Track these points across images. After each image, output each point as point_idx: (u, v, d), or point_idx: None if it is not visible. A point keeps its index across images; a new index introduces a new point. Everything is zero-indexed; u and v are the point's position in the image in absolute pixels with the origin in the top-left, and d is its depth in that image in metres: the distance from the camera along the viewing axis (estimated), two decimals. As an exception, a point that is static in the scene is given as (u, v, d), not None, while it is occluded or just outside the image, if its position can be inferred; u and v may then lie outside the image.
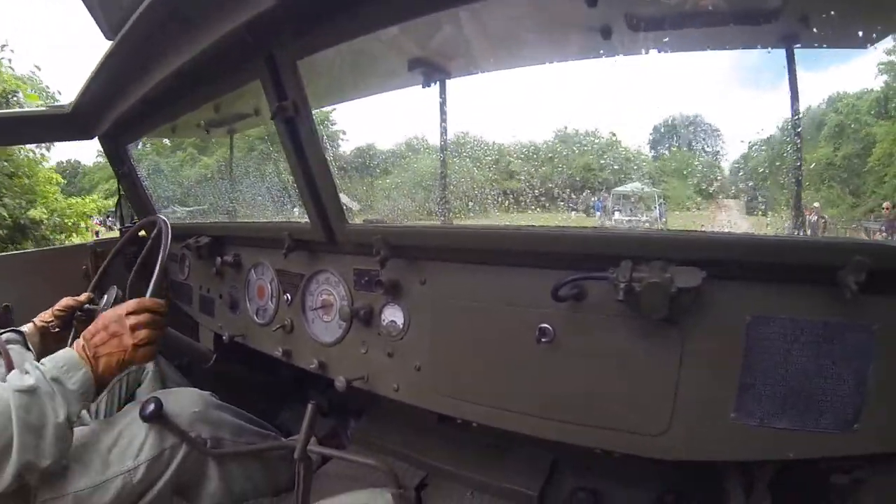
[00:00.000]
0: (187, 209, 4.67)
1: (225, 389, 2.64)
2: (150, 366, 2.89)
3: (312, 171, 2.26)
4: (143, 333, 1.91)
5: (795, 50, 1.57)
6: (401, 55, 2.22)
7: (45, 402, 1.71)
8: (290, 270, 2.68)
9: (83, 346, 1.89)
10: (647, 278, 1.42)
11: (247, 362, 3.26)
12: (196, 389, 2.46)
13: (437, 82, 2.35)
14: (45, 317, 2.48)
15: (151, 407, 2.05)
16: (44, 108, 3.77)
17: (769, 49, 1.61)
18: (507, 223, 2.15)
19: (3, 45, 14.57)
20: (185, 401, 2.27)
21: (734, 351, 1.47)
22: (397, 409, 2.22)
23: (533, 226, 1.91)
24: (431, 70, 2.26)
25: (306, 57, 2.06)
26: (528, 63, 2.25)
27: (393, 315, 2.16)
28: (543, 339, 1.69)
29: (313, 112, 2.17)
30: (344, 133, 3.00)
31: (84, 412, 2.28)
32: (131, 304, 1.96)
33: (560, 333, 1.68)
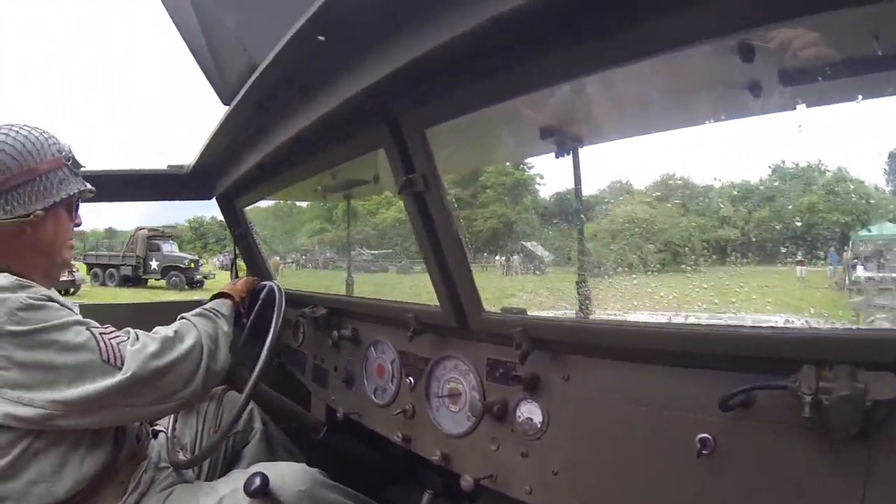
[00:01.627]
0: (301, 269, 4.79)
1: (333, 461, 2.68)
2: (257, 426, 3.05)
3: (444, 252, 2.18)
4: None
5: None
6: (532, 122, 2.10)
7: (214, 318, 2.51)
8: (415, 353, 2.60)
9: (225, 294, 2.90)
10: (837, 390, 1.21)
11: (358, 436, 3.20)
12: (304, 465, 2.49)
13: (570, 151, 2.22)
14: None
15: (257, 482, 2.13)
16: (164, 169, 3.95)
17: None
18: (668, 320, 1.97)
19: None
20: (291, 477, 2.34)
21: None
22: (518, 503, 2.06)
23: (698, 323, 1.74)
24: (566, 138, 2.13)
25: (435, 126, 1.99)
26: (672, 126, 2.14)
27: (530, 412, 2.01)
28: (704, 452, 1.48)
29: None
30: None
31: (189, 472, 2.59)
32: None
33: (723, 445, 1.48)
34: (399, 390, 2.67)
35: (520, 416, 2.04)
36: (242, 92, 2.31)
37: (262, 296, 2.98)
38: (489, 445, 2.14)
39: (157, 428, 2.72)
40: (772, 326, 1.59)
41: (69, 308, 2.02)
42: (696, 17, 1.21)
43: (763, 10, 1.14)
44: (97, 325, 2.01)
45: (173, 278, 35.60)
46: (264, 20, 2.49)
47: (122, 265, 37.57)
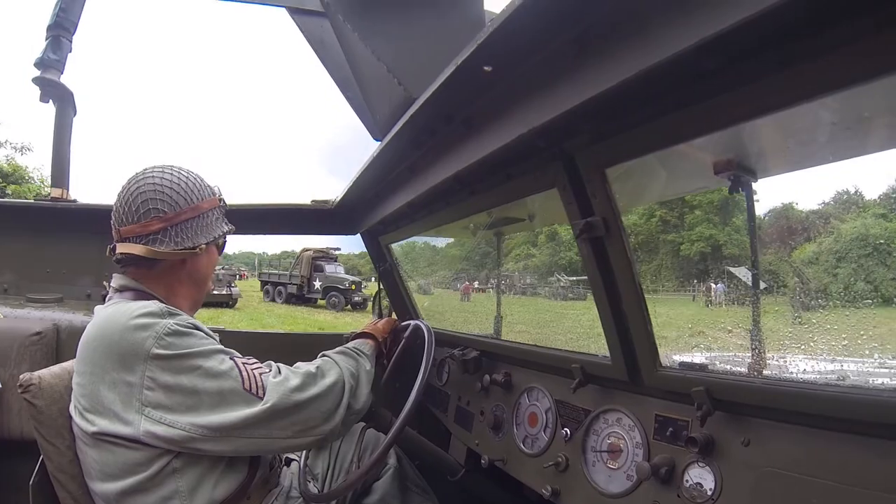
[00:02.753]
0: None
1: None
2: (392, 461, 3.10)
3: (621, 301, 2.07)
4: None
5: None
6: (707, 159, 1.99)
7: (356, 357, 2.53)
8: (574, 403, 2.49)
9: (367, 333, 2.87)
10: None
11: (496, 485, 3.14)
12: None
13: (744, 187, 2.08)
14: None
15: None
16: (309, 204, 4.11)
17: None
18: (875, 384, 1.78)
19: None
20: None
21: None
22: None
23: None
24: (740, 173, 1.99)
25: (615, 165, 1.89)
26: (837, 159, 2.00)
27: (700, 476, 1.85)
28: None
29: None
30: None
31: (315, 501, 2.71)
32: None
33: None
34: (552, 441, 2.57)
35: (688, 481, 1.89)
36: (396, 128, 2.31)
37: (406, 334, 3.01)
38: None
39: (291, 457, 2.90)
40: None
41: (213, 337, 2.13)
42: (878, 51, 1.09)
43: None
44: (239, 355, 2.12)
45: (333, 298, 37.72)
46: (418, 52, 2.48)
47: (289, 283, 41.36)
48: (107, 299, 2.26)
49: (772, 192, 2.24)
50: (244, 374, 2.01)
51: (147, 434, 1.90)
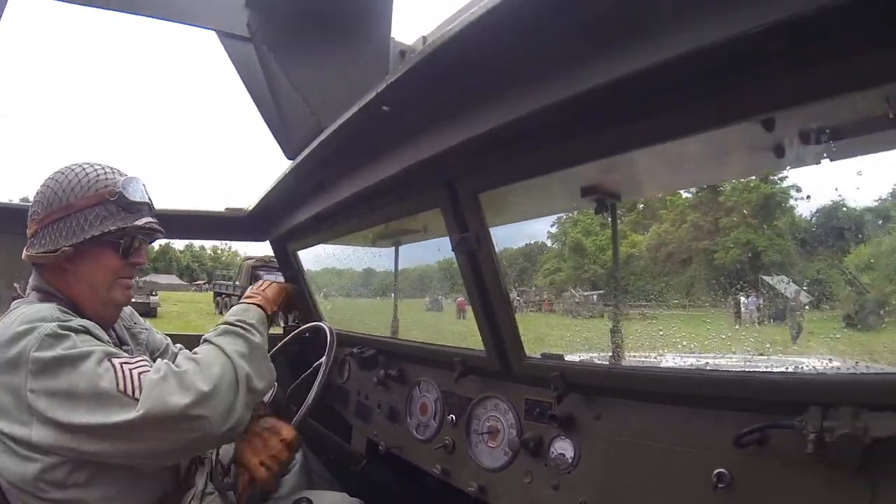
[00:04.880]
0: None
1: (371, 494, 2.73)
2: (298, 456, 3.00)
3: (492, 303, 2.34)
4: (275, 463, 2.29)
5: None
6: (575, 183, 2.29)
7: (241, 332, 2.12)
8: (458, 393, 2.74)
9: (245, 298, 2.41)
10: (839, 428, 1.33)
11: (396, 471, 3.31)
12: (345, 494, 2.58)
13: (609, 207, 2.40)
14: None
15: None
16: (223, 211, 4.17)
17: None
18: (691, 364, 2.11)
19: None
20: None
21: None
22: None
23: (716, 370, 1.89)
24: (604, 196, 2.32)
25: (489, 191, 2.18)
26: (702, 183, 2.28)
27: (563, 448, 2.15)
28: (720, 486, 1.60)
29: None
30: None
31: (231, 492, 2.50)
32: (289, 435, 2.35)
33: (738, 480, 1.59)
34: (441, 426, 2.81)
35: (553, 452, 2.17)
36: (308, 150, 2.53)
37: (307, 335, 3.14)
38: (523, 479, 2.27)
39: (202, 455, 2.72)
40: (782, 371, 1.72)
41: (102, 339, 1.96)
42: (725, 104, 1.41)
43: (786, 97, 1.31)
44: (125, 356, 1.91)
45: None
46: (329, 86, 2.71)
47: (233, 294, 37.59)
48: (27, 295, 2.16)
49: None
50: (119, 374, 1.79)
51: (39, 437, 1.77)
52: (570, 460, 2.11)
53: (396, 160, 2.21)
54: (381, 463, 3.27)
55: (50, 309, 1.93)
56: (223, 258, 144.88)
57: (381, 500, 2.77)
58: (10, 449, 1.81)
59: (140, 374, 1.81)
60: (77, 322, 1.91)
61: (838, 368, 1.76)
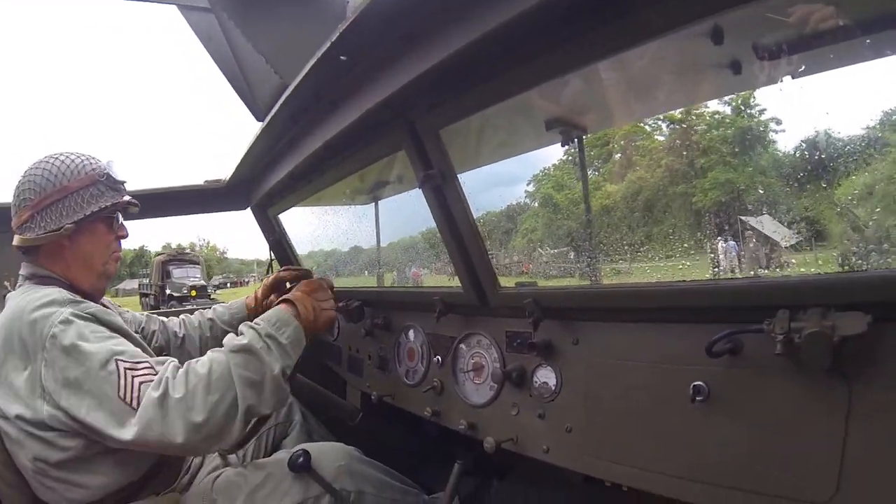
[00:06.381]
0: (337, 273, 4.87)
1: (370, 446, 2.73)
2: (297, 418, 3.14)
3: (463, 237, 2.35)
4: (327, 305, 2.43)
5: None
6: (539, 116, 2.27)
7: (262, 356, 2.03)
8: (442, 333, 2.76)
9: (292, 304, 2.30)
10: (807, 328, 1.32)
11: (392, 420, 3.33)
12: (342, 444, 2.60)
13: (576, 139, 2.39)
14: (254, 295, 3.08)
15: (300, 458, 2.23)
16: (202, 184, 4.13)
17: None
18: (658, 279, 2.11)
19: None
20: (331, 454, 2.43)
21: None
22: (542, 469, 2.19)
23: (684, 280, 1.90)
24: (569, 128, 2.30)
25: (448, 126, 2.17)
26: (665, 109, 2.26)
27: (545, 376, 2.16)
28: (698, 398, 1.61)
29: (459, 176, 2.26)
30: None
31: (232, 456, 2.68)
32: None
33: (715, 391, 1.60)
34: (428, 370, 2.83)
35: (537, 381, 2.19)
36: (275, 109, 2.51)
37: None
38: (510, 411, 2.29)
39: None
40: (748, 277, 1.72)
41: (117, 324, 2.07)
42: (668, 8, 1.39)
43: None
44: (133, 354, 1.95)
45: (172, 307, 27.71)
46: (289, 45, 2.68)
47: (149, 293, 34.96)
48: (16, 286, 2.23)
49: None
50: (122, 381, 1.84)
51: (52, 418, 1.88)
52: (553, 388, 2.13)
53: (359, 106, 2.19)
54: (376, 414, 3.29)
55: (59, 294, 2.04)
56: (203, 254, 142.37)
57: (379, 449, 2.78)
58: (25, 432, 1.93)
59: (141, 383, 1.86)
60: (87, 308, 2.02)
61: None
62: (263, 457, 2.85)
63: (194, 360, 1.99)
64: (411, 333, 3.01)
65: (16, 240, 2.19)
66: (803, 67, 1.50)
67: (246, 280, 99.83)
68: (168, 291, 31.95)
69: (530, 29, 1.53)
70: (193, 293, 31.46)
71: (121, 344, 1.98)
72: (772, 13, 1.36)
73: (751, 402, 1.54)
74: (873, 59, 1.43)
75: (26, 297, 2.02)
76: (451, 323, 2.68)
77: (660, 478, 1.75)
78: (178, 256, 35.23)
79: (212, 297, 33.37)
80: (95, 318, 2.01)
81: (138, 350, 2.01)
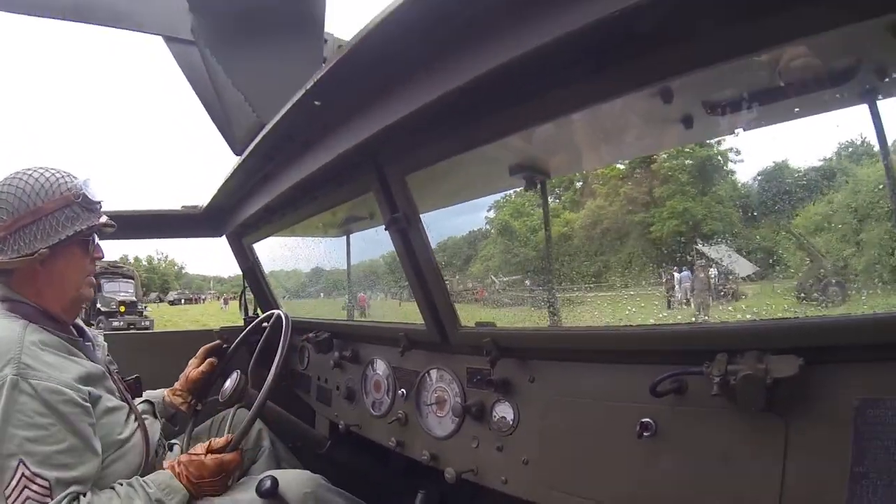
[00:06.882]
0: (304, 300, 4.91)
1: (336, 474, 2.78)
2: (266, 444, 3.12)
3: (426, 278, 2.43)
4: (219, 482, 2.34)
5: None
6: (503, 161, 2.35)
7: None
8: (406, 367, 2.83)
9: (183, 472, 2.26)
10: (742, 371, 1.41)
11: (358, 450, 3.35)
12: (308, 472, 2.63)
13: (539, 183, 2.48)
14: (176, 389, 2.95)
15: (268, 484, 2.26)
16: (179, 209, 4.17)
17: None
18: (609, 322, 2.19)
19: None
20: (297, 481, 2.46)
21: (843, 439, 1.33)
22: (501, 500, 2.24)
23: (630, 325, 1.98)
24: (533, 173, 2.39)
25: (414, 172, 2.26)
26: (626, 156, 2.35)
27: (504, 411, 2.23)
28: (645, 434, 1.68)
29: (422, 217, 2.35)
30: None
31: None
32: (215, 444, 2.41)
33: (662, 428, 1.67)
34: (394, 402, 2.88)
35: (496, 416, 2.26)
36: (252, 146, 2.59)
37: (270, 322, 3.12)
38: (470, 443, 2.35)
39: (173, 441, 2.89)
40: (689, 322, 1.81)
41: (60, 413, 1.93)
42: (621, 74, 1.50)
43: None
44: (44, 462, 1.86)
45: (100, 324, 28.92)
46: (267, 84, 2.77)
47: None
48: None
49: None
50: (13, 484, 1.79)
51: None
52: (510, 422, 2.20)
53: (331, 149, 2.29)
54: (343, 443, 3.30)
55: (16, 341, 1.97)
56: (160, 268, 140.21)
57: (346, 477, 2.82)
58: None
59: (27, 498, 1.80)
60: (39, 378, 1.92)
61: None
62: (233, 481, 2.74)
63: (89, 498, 1.94)
64: (378, 366, 3.07)
65: None
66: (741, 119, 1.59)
67: (203, 297, 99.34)
68: (98, 305, 30.49)
69: (499, 84, 1.62)
70: (122, 309, 31.11)
71: (40, 440, 1.87)
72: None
73: (695, 439, 1.61)
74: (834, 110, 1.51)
75: None
76: (415, 357, 2.76)
77: None
78: (111, 270, 33.01)
79: (142, 314, 32.71)
80: (36, 396, 1.90)
81: (55, 452, 1.90)
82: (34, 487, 1.81)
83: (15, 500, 1.79)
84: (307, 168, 2.52)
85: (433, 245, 2.42)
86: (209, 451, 2.35)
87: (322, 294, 5.05)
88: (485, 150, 2.05)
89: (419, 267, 2.45)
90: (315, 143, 2.42)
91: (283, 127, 2.30)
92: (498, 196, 3.11)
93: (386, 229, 2.46)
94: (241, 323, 4.41)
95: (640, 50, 1.42)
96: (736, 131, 1.63)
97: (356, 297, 4.35)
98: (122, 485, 2.09)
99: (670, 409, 1.66)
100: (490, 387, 2.25)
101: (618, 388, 1.84)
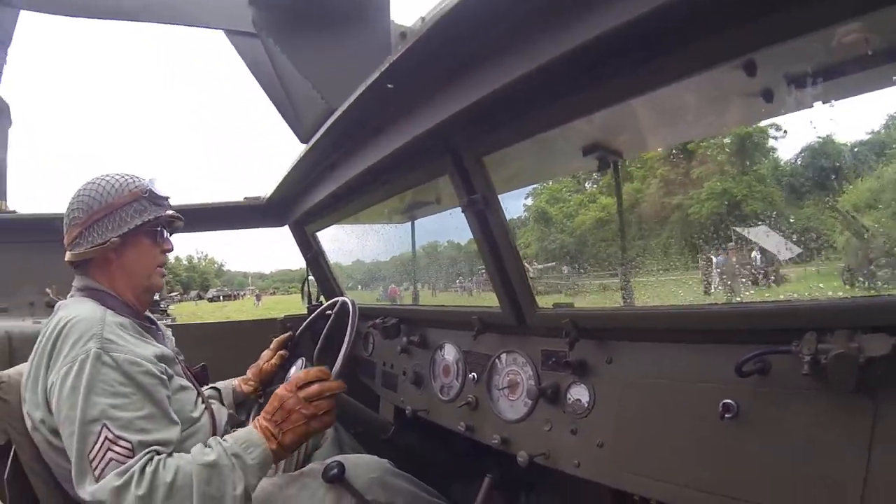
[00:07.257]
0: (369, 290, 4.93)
1: (402, 460, 2.77)
2: (329, 431, 3.13)
3: (503, 260, 2.42)
4: (320, 404, 2.24)
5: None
6: (576, 143, 2.32)
7: (226, 475, 1.96)
8: (478, 351, 2.80)
9: (264, 424, 2.18)
10: (833, 350, 1.35)
11: (422, 435, 3.36)
12: (375, 457, 2.65)
13: (612, 164, 2.46)
14: (248, 379, 3.04)
15: (335, 469, 2.27)
16: (242, 201, 4.25)
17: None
18: (692, 301, 2.15)
19: None
20: (364, 466, 2.48)
21: None
22: (571, 484, 2.23)
23: (715, 303, 1.94)
24: (606, 154, 2.36)
25: (490, 154, 2.24)
26: (699, 135, 2.29)
27: (579, 393, 2.20)
28: (727, 416, 1.63)
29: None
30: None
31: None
32: (299, 377, 2.29)
33: (744, 409, 1.63)
34: (463, 386, 2.87)
35: (570, 398, 2.23)
36: (320, 133, 2.60)
37: (335, 310, 3.12)
38: (543, 427, 2.32)
39: (242, 421, 2.88)
40: (777, 300, 1.76)
41: (138, 382, 1.99)
42: (706, 48, 1.45)
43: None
44: (127, 426, 1.91)
45: None
46: (334, 70, 2.77)
47: None
48: (69, 296, 2.32)
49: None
50: (97, 446, 1.84)
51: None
52: (586, 404, 2.16)
53: (403, 133, 2.28)
54: (409, 428, 3.31)
55: (100, 317, 2.09)
56: (200, 266, 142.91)
57: (411, 462, 2.82)
58: (46, 439, 2.04)
59: (111, 460, 1.84)
60: (119, 351, 2.01)
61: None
62: (296, 467, 2.91)
63: (167, 457, 1.94)
64: (447, 350, 3.06)
65: (67, 255, 2.31)
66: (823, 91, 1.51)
67: (242, 293, 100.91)
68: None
69: (571, 67, 1.60)
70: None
71: (121, 407, 1.93)
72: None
73: (778, 421, 1.56)
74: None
75: (71, 311, 2.11)
76: (487, 340, 2.73)
77: (687, 492, 1.77)
78: None
79: (166, 311, 32.19)
80: (117, 367, 1.98)
81: (136, 418, 1.95)
82: (117, 449, 1.87)
83: (99, 461, 1.84)
84: (378, 153, 2.52)
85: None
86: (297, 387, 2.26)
87: (364, 285, 5.09)
88: (560, 132, 2.04)
89: (497, 249, 2.42)
90: (387, 128, 2.41)
91: (354, 112, 2.30)
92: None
93: (463, 212, 2.45)
94: (291, 313, 4.46)
95: (726, 23, 1.38)
96: (813, 104, 1.54)
97: (388, 290, 4.36)
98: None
99: (753, 390, 1.61)
100: (566, 368, 2.22)
101: (699, 368, 1.80)
